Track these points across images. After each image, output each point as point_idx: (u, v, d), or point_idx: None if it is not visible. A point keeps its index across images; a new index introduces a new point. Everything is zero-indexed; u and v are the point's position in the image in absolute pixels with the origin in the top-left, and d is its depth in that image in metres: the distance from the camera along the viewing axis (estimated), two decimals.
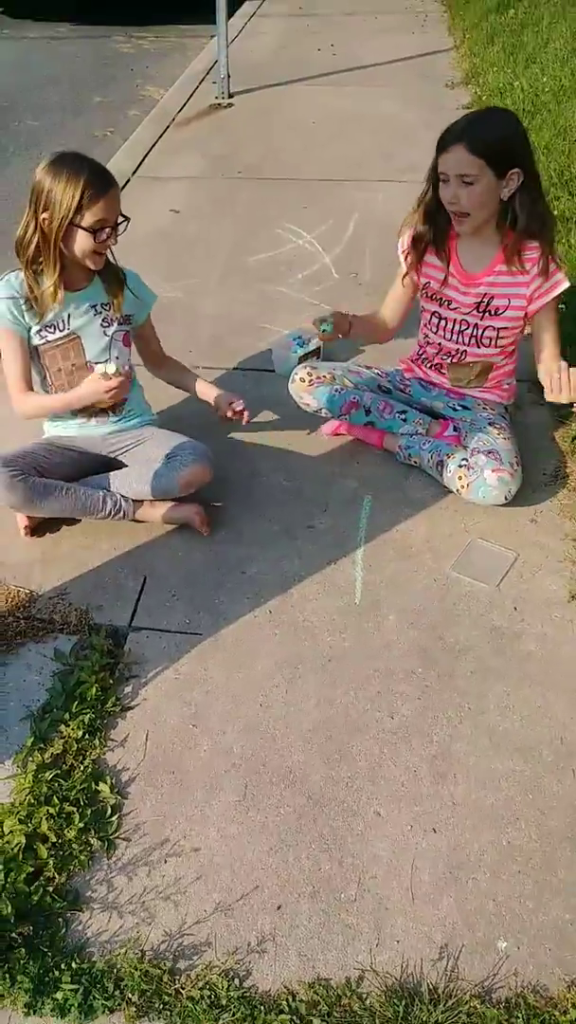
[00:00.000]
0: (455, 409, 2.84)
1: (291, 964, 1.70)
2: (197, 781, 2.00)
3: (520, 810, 1.93)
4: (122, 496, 2.54)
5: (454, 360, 2.76)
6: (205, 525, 2.58)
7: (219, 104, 5.97)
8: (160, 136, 5.49)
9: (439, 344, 2.76)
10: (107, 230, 2.30)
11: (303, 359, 3.18)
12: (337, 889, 1.80)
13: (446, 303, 2.68)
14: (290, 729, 2.10)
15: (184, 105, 5.99)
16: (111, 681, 2.20)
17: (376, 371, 2.93)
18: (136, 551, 2.57)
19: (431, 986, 1.66)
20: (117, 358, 2.53)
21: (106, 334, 2.51)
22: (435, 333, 2.75)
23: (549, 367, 2.50)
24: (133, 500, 2.56)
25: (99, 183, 2.24)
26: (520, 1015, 1.60)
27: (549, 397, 2.41)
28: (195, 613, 2.39)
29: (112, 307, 2.50)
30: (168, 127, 5.63)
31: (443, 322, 2.70)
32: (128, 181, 4.87)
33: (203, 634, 2.33)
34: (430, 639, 2.29)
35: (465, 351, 2.72)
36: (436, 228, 2.54)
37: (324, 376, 2.86)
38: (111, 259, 2.46)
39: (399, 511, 2.68)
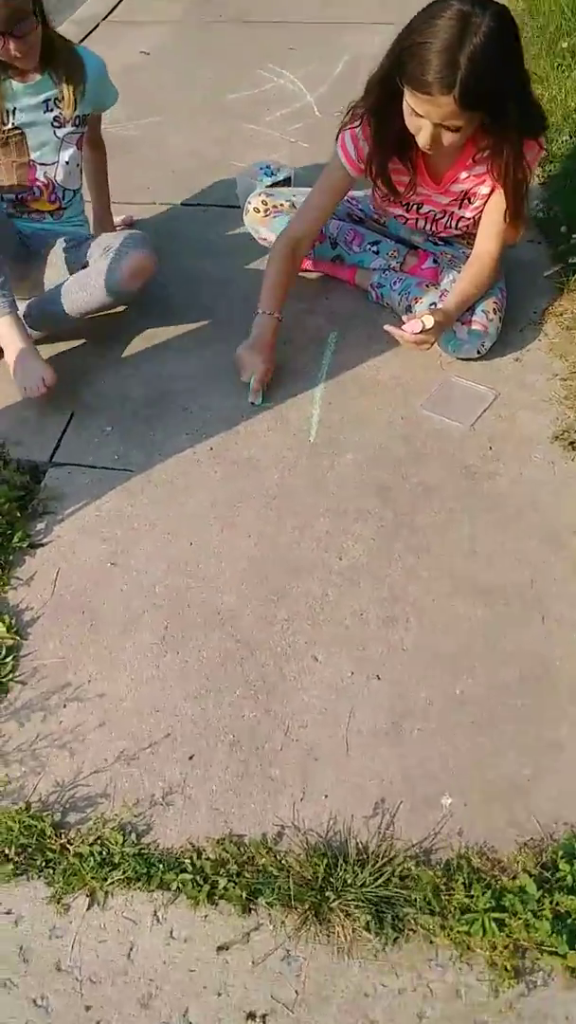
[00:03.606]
0: (436, 244, 2.49)
1: (200, 819, 1.45)
2: (110, 622, 1.74)
3: (478, 658, 1.66)
4: (10, 303, 2.18)
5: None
6: (44, 392, 2.16)
7: None
8: None
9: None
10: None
11: None
12: (261, 738, 1.55)
13: (414, 207, 2.29)
14: (223, 569, 1.83)
15: None
16: (18, 515, 1.91)
17: (347, 198, 2.56)
18: (65, 387, 2.26)
19: (360, 845, 1.41)
20: (67, 163, 2.30)
21: (56, 135, 2.25)
22: (403, 225, 2.40)
23: (430, 314, 2.08)
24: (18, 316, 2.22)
25: None
26: (461, 878, 1.35)
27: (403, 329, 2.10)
28: (126, 450, 2.10)
29: (64, 103, 2.19)
30: None
31: (410, 221, 2.35)
32: (96, 26, 4.43)
33: (134, 470, 2.05)
34: (391, 478, 2.00)
35: (437, 233, 2.39)
36: (397, 147, 2.06)
37: (282, 204, 2.51)
38: (73, 51, 2.22)
39: (369, 347, 2.36)
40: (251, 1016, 1.23)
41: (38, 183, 2.29)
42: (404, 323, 2.10)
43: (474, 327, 2.24)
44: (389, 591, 1.77)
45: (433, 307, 2.26)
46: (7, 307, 2.17)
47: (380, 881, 1.34)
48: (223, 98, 3.66)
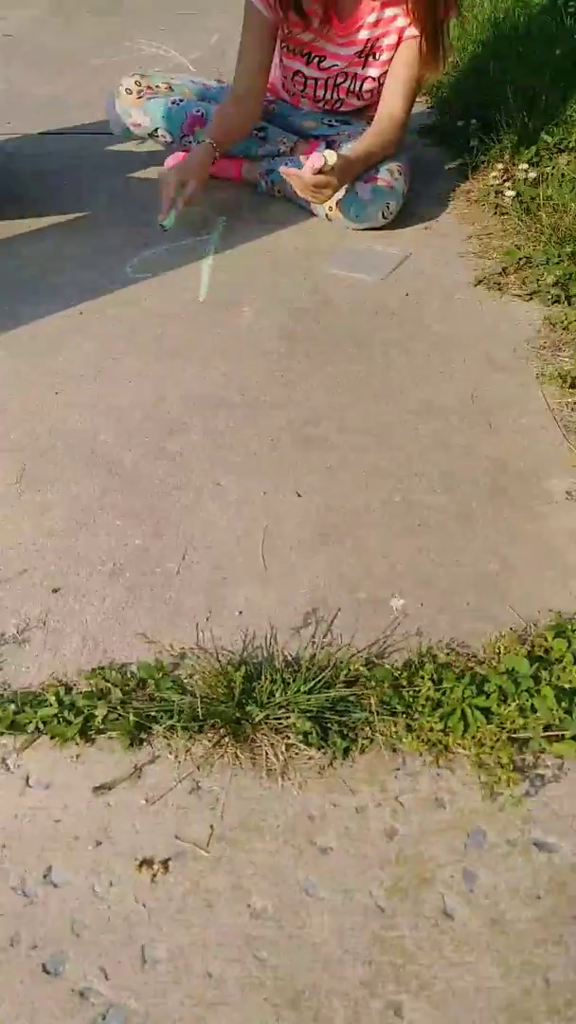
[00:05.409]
0: (331, 125, 2.25)
1: (69, 652, 1.06)
2: None
3: (418, 468, 1.33)
4: None
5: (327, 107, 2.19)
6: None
7: None
8: None
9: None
10: None
11: None
12: (150, 564, 1.18)
13: (316, 59, 2.08)
14: (98, 412, 1.48)
15: None
16: None
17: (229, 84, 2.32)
18: None
19: (290, 657, 1.04)
20: None
21: None
22: (301, 92, 2.17)
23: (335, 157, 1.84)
24: None
25: None
26: (426, 673, 0.98)
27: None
28: None
29: None
30: None
31: (309, 82, 2.13)
32: None
33: None
34: (300, 324, 1.71)
35: (341, 101, 2.16)
36: None
37: (158, 86, 2.25)
38: None
39: (263, 227, 2.08)
40: (146, 863, 0.83)
41: None
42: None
43: (379, 184, 1.99)
44: (309, 413, 1.46)
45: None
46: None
47: (320, 686, 0.96)
48: (88, 62, 3.44)
